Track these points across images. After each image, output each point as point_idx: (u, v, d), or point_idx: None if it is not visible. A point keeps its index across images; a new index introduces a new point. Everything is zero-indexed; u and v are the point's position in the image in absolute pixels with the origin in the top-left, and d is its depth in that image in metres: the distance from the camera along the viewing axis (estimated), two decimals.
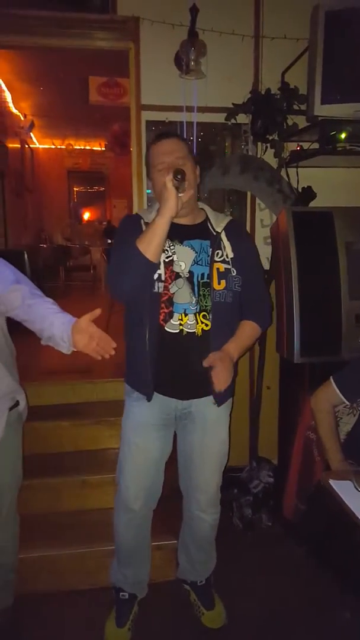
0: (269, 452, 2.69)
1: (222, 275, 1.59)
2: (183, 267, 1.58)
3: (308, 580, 2.03)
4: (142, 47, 2.53)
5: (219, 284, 1.59)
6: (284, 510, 2.35)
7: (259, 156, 2.62)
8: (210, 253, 1.60)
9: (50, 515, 2.25)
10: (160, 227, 1.47)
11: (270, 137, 2.54)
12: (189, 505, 1.82)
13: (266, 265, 2.70)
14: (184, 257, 1.59)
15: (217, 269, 1.59)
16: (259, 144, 2.61)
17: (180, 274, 1.58)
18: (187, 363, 1.60)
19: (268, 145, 2.57)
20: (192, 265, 1.59)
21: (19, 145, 6.65)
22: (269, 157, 2.58)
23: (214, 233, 1.64)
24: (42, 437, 2.47)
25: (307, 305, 2.22)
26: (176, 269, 1.58)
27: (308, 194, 2.47)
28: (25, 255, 4.11)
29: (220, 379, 1.55)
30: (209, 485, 1.77)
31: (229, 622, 1.86)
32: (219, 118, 2.57)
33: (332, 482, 1.44)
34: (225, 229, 1.65)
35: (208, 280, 1.58)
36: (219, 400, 1.67)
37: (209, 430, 1.71)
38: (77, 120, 6.64)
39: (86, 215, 9.65)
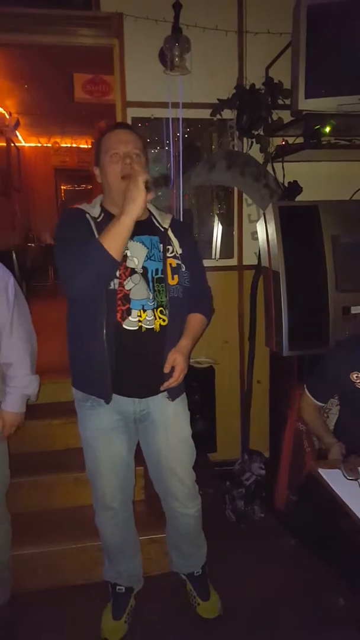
0: (260, 445, 2.71)
1: (174, 270, 1.61)
2: (137, 263, 1.57)
3: (301, 570, 2.06)
4: (126, 43, 2.53)
5: (173, 279, 1.60)
6: (276, 502, 2.39)
7: (244, 151, 2.63)
8: (161, 249, 1.61)
9: (43, 512, 2.25)
10: (127, 225, 1.43)
11: (256, 132, 2.56)
12: (169, 505, 1.80)
13: (254, 260, 2.72)
14: (136, 253, 1.58)
15: (170, 264, 1.61)
16: (245, 139, 2.62)
17: (135, 269, 1.57)
18: (146, 359, 1.59)
19: (254, 140, 2.59)
20: (145, 260, 1.58)
21: (4, 144, 6.58)
22: (255, 153, 2.60)
23: (162, 229, 1.65)
24: (34, 436, 2.47)
25: (294, 299, 2.24)
26: (130, 264, 1.56)
27: (294, 188, 2.49)
28: (14, 255, 4.10)
29: (179, 374, 1.58)
30: (184, 483, 1.75)
31: (224, 612, 1.88)
32: (205, 114, 2.59)
33: (321, 471, 1.46)
34: (170, 225, 1.67)
35: (162, 276, 1.59)
36: (172, 394, 1.67)
37: (171, 429, 1.70)
38: (63, 118, 6.58)
39: None
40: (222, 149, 2.66)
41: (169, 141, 2.60)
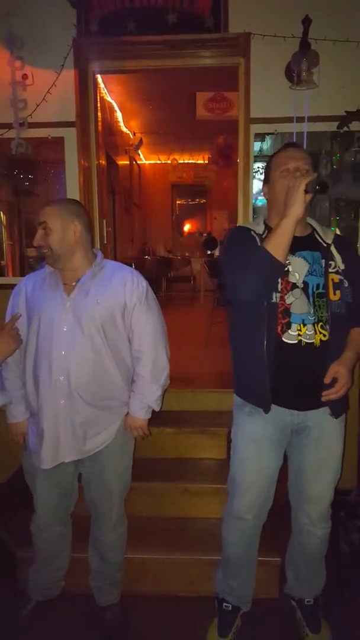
0: None
1: (336, 286, 1.59)
2: (298, 278, 1.58)
3: None
4: (252, 61, 2.55)
5: (335, 294, 1.58)
6: None
7: None
8: (323, 264, 1.61)
9: (153, 519, 2.31)
10: (288, 228, 1.47)
11: None
12: (298, 518, 1.77)
13: None
14: (298, 268, 1.59)
15: (332, 279, 1.59)
16: None
17: (297, 284, 1.58)
18: (306, 373, 1.59)
19: None
20: (306, 275, 1.59)
21: (127, 162, 7.01)
22: None
23: (324, 245, 1.64)
24: (146, 442, 2.55)
25: None
26: (291, 279, 1.58)
27: None
28: (133, 267, 4.32)
29: (341, 387, 1.55)
30: (320, 499, 1.71)
31: None
32: (330, 127, 2.53)
33: None
34: (333, 241, 1.66)
35: (323, 291, 1.58)
36: (335, 411, 1.63)
37: (325, 445, 1.67)
38: (183, 136, 6.83)
39: (186, 227, 9.88)
40: (346, 161, 2.56)
41: None
